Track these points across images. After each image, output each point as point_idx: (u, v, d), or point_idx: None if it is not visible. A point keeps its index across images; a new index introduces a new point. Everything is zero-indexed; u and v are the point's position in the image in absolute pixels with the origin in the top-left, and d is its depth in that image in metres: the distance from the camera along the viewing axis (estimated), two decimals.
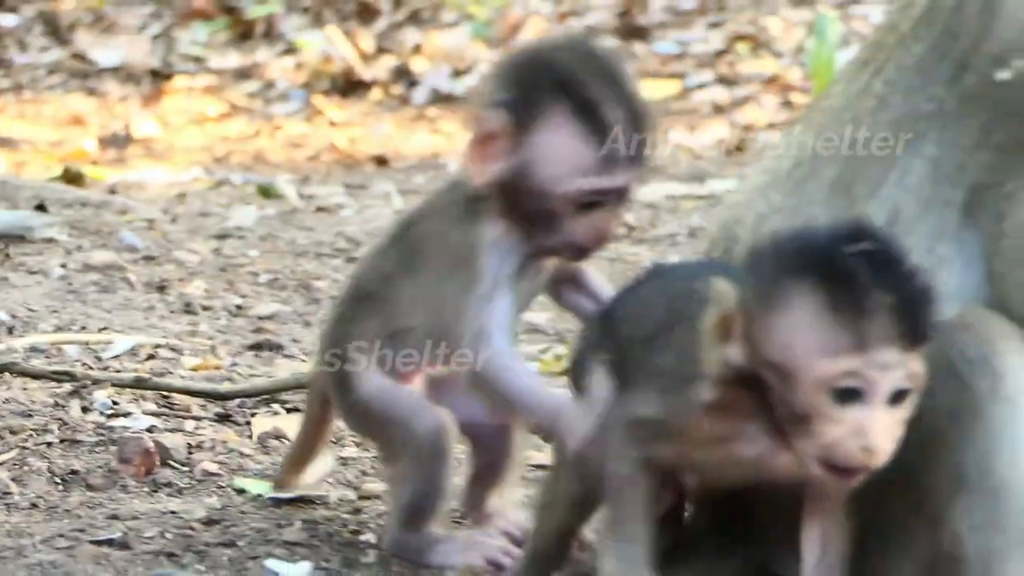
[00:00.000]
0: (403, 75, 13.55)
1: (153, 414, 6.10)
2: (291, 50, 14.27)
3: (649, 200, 9.80)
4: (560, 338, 7.21)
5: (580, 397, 4.48)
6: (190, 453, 5.73)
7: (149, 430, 5.85)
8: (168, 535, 5.04)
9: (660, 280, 4.51)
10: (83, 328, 7.07)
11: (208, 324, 7.29)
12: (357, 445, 5.89)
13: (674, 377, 4.16)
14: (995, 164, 4.22)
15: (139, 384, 6.33)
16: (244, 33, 14.71)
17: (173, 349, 6.87)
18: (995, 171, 4.22)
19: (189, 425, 6.03)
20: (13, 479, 5.52)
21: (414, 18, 14.61)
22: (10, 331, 6.99)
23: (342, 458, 5.80)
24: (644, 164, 4.36)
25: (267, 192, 10.36)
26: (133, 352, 6.81)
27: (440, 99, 13.15)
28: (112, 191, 10.43)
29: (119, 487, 5.49)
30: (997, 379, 4.11)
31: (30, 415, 5.99)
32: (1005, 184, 4.21)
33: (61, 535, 5.05)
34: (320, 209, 9.86)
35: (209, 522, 5.17)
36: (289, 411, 6.22)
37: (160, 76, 14.02)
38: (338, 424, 5.23)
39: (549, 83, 4.30)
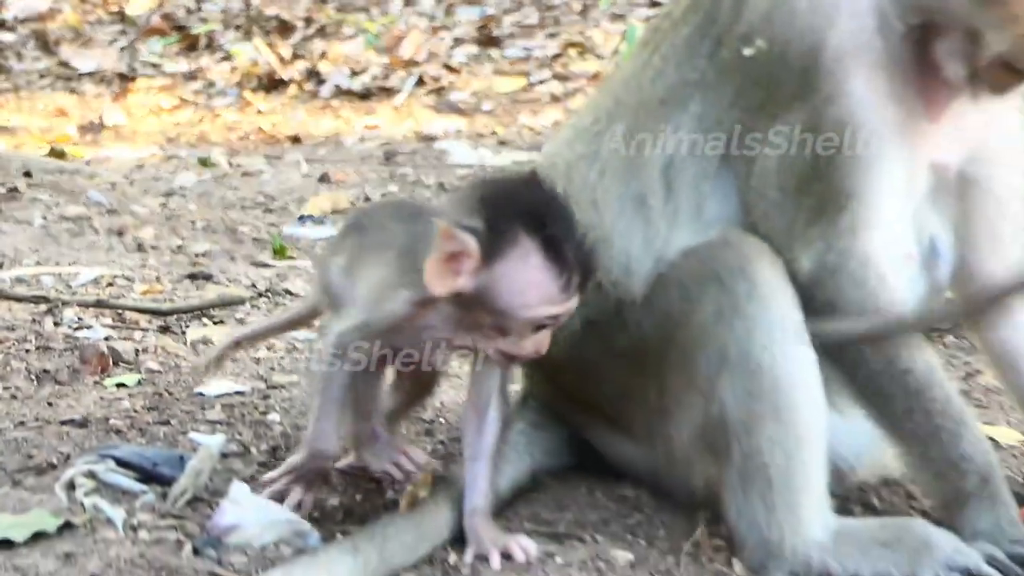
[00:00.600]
0: (313, 75, 13.53)
1: (109, 327, 6.08)
2: (227, 57, 14.24)
3: (500, 165, 9.78)
4: None
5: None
6: (137, 356, 5.68)
7: (106, 339, 5.80)
8: (116, 417, 4.99)
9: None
10: (57, 263, 7.03)
11: (155, 260, 7.25)
12: (268, 348, 5.86)
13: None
14: (745, 121, 4.22)
15: (99, 304, 6.30)
16: (191, 45, 14.70)
17: (127, 279, 6.83)
18: (744, 126, 4.22)
19: (137, 335, 6.00)
20: None
21: (321, 31, 14.63)
22: (0, 266, 6.93)
23: (255, 358, 5.77)
24: (581, 294, 4.07)
25: (205, 163, 10.31)
26: (95, 281, 6.78)
27: (341, 93, 13.15)
28: (87, 164, 10.36)
29: (80, 382, 5.45)
30: (752, 284, 4.11)
31: (13, 328, 5.95)
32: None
33: (35, 418, 5.02)
34: (245, 174, 9.80)
35: (150, 408, 5.14)
36: (216, 323, 6.21)
37: (126, 78, 13.97)
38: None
39: (519, 219, 3.99)
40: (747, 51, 4.19)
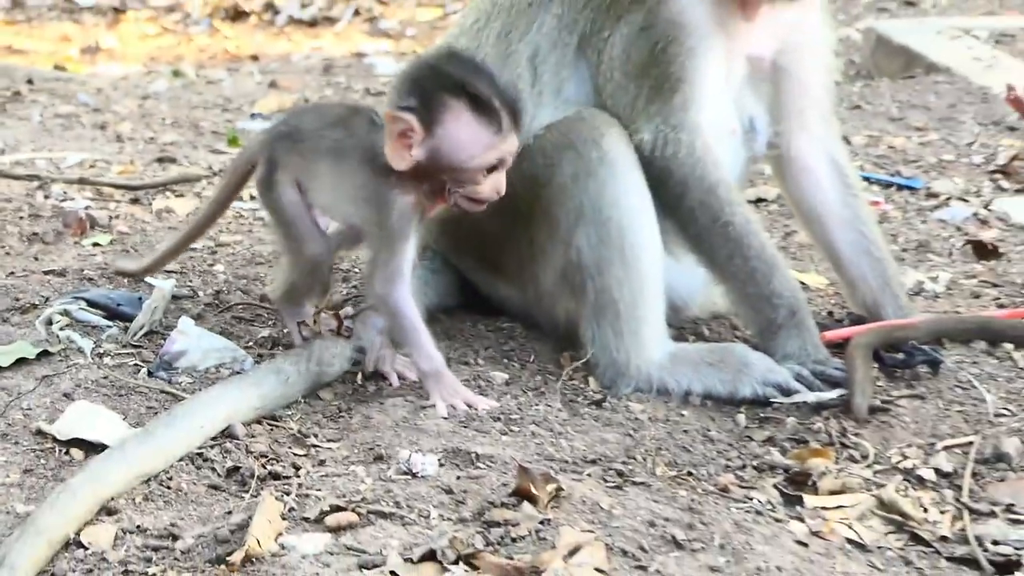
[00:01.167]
0: (270, 7, 13.39)
1: (89, 199, 5.94)
2: None
3: None
4: None
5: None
6: (110, 221, 5.56)
7: (86, 208, 5.66)
8: (90, 269, 4.87)
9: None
10: (50, 150, 6.86)
11: (131, 148, 7.12)
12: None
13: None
14: (595, 19, 4.13)
15: (82, 181, 6.17)
16: None
17: (106, 162, 6.71)
18: (594, 23, 4.13)
19: (112, 206, 5.87)
20: None
21: None
22: (2, 152, 6.81)
23: None
24: (518, 133, 3.90)
25: (177, 73, 10.19)
26: (80, 164, 6.64)
27: (293, 22, 13.01)
28: (84, 76, 10.19)
29: (64, 242, 5.35)
30: (602, 151, 4.05)
31: (10, 200, 5.82)
32: (603, 32, 4.12)
33: (23, 270, 4.91)
34: (209, 82, 9.68)
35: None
36: (177, 196, 6.09)
37: (119, 11, 13.75)
38: None
39: (445, 88, 3.82)
40: None
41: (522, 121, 3.90)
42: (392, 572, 3.09)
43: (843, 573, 3.24)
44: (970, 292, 4.85)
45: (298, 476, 3.54)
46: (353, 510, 3.34)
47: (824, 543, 3.38)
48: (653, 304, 4.05)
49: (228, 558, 3.14)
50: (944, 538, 3.45)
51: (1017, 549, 3.36)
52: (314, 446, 3.72)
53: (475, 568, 3.12)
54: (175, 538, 3.28)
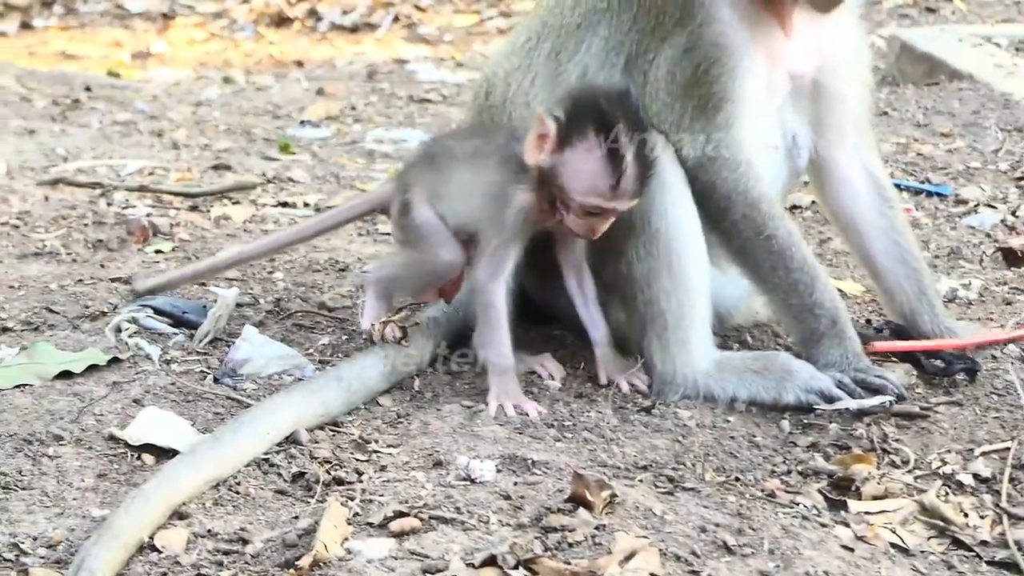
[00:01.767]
0: (313, 14, 13.36)
1: (150, 206, 5.96)
2: (246, 0, 14.01)
3: (460, 81, 9.65)
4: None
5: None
6: (171, 228, 5.57)
7: (147, 215, 5.69)
8: (154, 277, 4.87)
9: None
10: (110, 157, 6.87)
11: (186, 155, 7.11)
12: (274, 223, 5.76)
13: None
14: (640, 41, 4.10)
15: (142, 188, 6.21)
16: None
17: (164, 169, 6.71)
18: (640, 45, 4.10)
19: (172, 213, 5.89)
20: (62, 245, 5.39)
21: None
22: (65, 159, 6.80)
23: (264, 230, 5.69)
24: (639, 195, 3.92)
25: (227, 80, 10.17)
26: (140, 171, 6.65)
27: (335, 28, 12.99)
28: (135, 82, 10.20)
29: (127, 249, 5.36)
30: None
31: (74, 208, 5.84)
32: (648, 54, 4.09)
33: (90, 277, 4.93)
34: (258, 89, 9.66)
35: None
36: (233, 203, 6.10)
37: (168, 17, 13.74)
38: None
39: (592, 119, 3.86)
40: None
41: (646, 188, 3.92)
42: None
43: None
44: (1002, 299, 4.82)
45: (361, 481, 3.54)
46: (415, 515, 3.33)
47: (869, 548, 3.36)
48: (700, 314, 4.03)
49: (297, 562, 3.14)
50: (984, 542, 3.43)
51: None
52: (375, 452, 3.72)
53: (534, 573, 3.12)
54: (245, 542, 3.28)
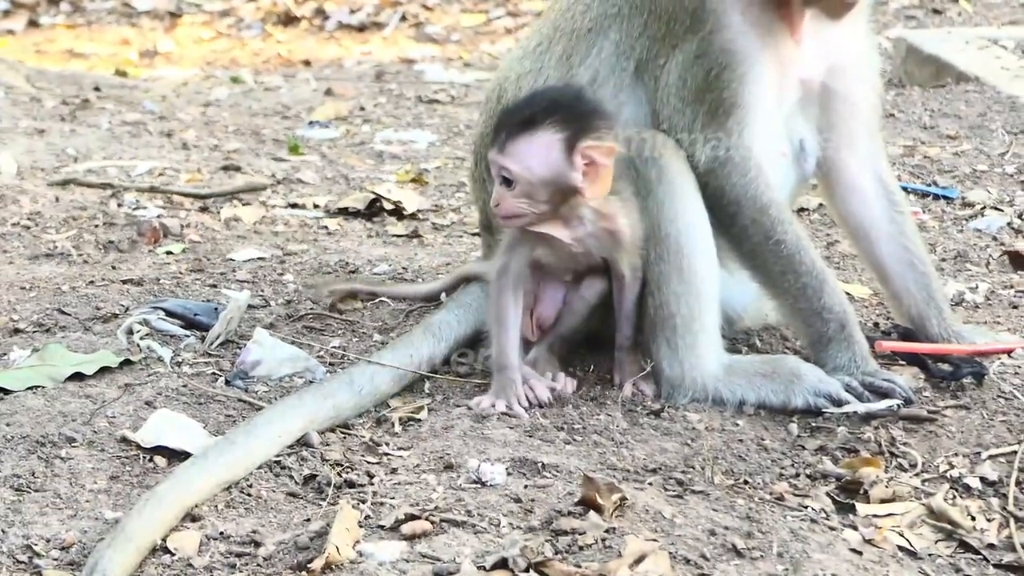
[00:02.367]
0: (320, 13, 13.36)
1: (160, 207, 5.98)
2: None
3: (468, 82, 9.66)
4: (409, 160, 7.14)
5: None
6: (182, 230, 5.58)
7: (157, 217, 5.70)
8: (165, 278, 4.90)
9: None
10: (120, 158, 6.89)
11: (196, 155, 7.12)
12: (284, 224, 5.77)
13: None
14: (651, 46, 4.12)
15: (152, 189, 6.22)
16: None
17: (174, 170, 6.73)
18: (650, 51, 4.11)
19: (182, 214, 5.90)
20: (73, 246, 5.42)
21: None
22: (75, 160, 6.81)
23: (274, 231, 5.70)
24: (505, 156, 3.88)
25: (235, 80, 10.17)
26: (150, 172, 6.67)
27: (342, 27, 12.99)
28: (144, 81, 10.20)
29: (138, 250, 5.38)
30: (661, 170, 4.03)
31: (85, 208, 5.86)
32: (659, 59, 4.10)
33: (102, 278, 4.94)
34: (267, 89, 9.67)
35: (191, 270, 5.06)
36: (244, 205, 6.12)
37: (175, 15, 13.74)
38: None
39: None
40: None
41: (514, 148, 3.89)
42: None
43: None
44: (1009, 303, 4.83)
45: (372, 484, 3.55)
46: (427, 518, 3.35)
47: (877, 551, 3.37)
48: (709, 318, 4.04)
49: (309, 565, 3.16)
50: (991, 545, 3.44)
51: None
52: (386, 454, 3.73)
53: None
54: (257, 545, 3.30)
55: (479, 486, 3.52)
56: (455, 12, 13.20)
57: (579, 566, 3.16)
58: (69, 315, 4.55)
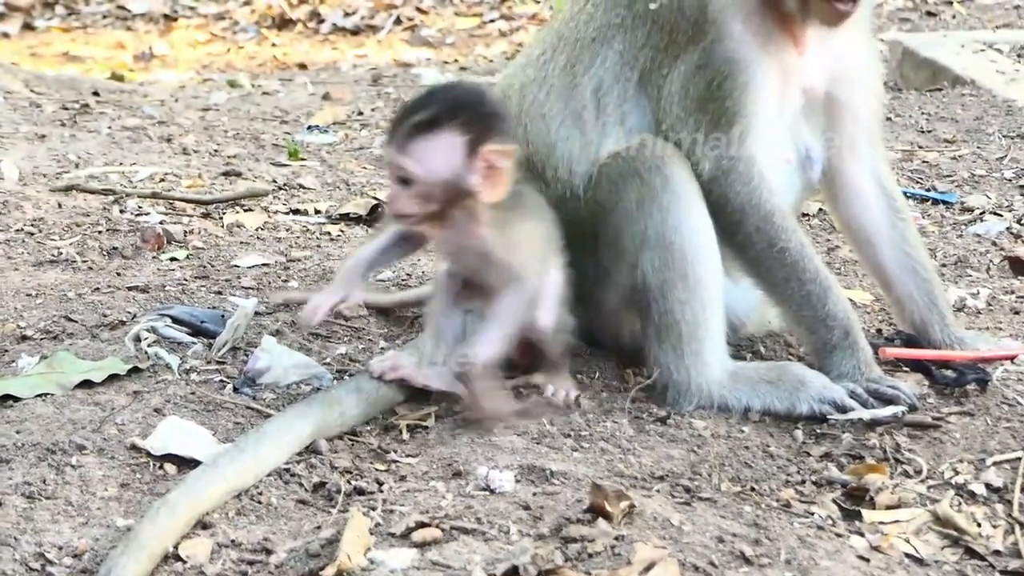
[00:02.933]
0: (315, 15, 13.40)
1: (163, 213, 5.98)
2: (248, 2, 14.04)
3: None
4: None
5: None
6: (185, 236, 5.59)
7: (161, 223, 5.71)
8: (170, 284, 4.91)
9: None
10: (120, 163, 6.89)
11: (197, 160, 7.12)
12: (287, 230, 5.78)
13: None
14: (654, 56, 4.14)
15: (155, 195, 6.22)
16: None
17: (175, 175, 6.72)
18: (654, 61, 4.14)
19: (185, 220, 5.91)
20: (77, 253, 5.42)
21: None
22: (76, 165, 6.82)
23: (277, 237, 5.70)
24: (396, 152, 3.81)
25: (233, 84, 10.19)
26: (151, 177, 6.67)
27: (337, 30, 13.03)
28: (141, 85, 10.21)
29: (142, 256, 5.38)
30: (665, 178, 4.04)
31: (87, 215, 5.86)
32: (662, 69, 4.13)
33: (107, 285, 4.95)
34: (265, 93, 9.68)
35: (196, 277, 5.07)
36: (246, 210, 6.12)
37: (170, 18, 13.78)
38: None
39: None
40: (652, 5, 4.14)
41: (414, 148, 3.81)
42: None
43: None
44: (1010, 308, 4.86)
45: (381, 491, 3.56)
46: (436, 526, 3.36)
47: (884, 557, 3.39)
48: (714, 325, 4.06)
49: (320, 572, 3.18)
50: (997, 552, 3.45)
51: None
52: (394, 462, 3.74)
53: None
54: (268, 552, 3.31)
55: (488, 493, 3.54)
56: (449, 15, 13.22)
57: (589, 573, 3.17)
58: (76, 322, 4.56)
